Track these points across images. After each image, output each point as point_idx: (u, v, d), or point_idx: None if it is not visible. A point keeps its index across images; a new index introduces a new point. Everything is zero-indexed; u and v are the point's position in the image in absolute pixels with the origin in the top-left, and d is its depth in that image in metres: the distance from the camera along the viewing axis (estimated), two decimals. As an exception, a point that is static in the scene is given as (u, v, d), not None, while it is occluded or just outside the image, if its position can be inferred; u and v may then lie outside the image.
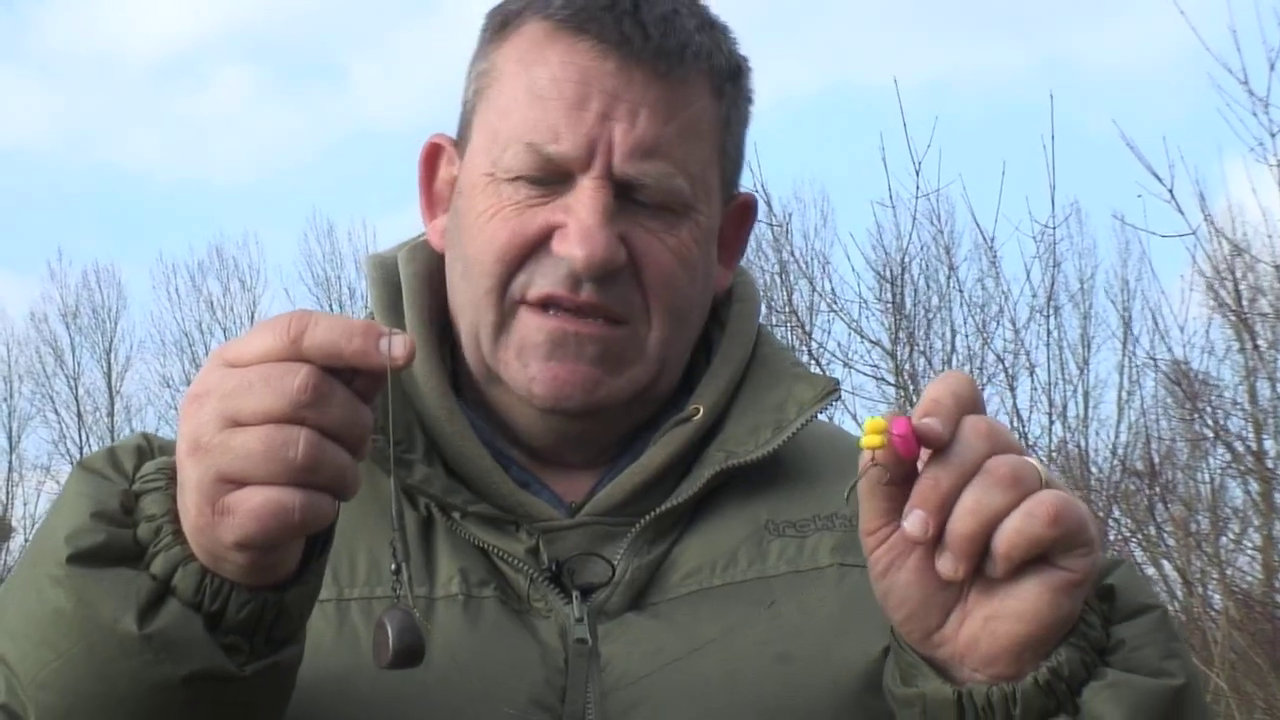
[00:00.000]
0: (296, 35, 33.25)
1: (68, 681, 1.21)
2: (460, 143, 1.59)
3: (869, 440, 1.21)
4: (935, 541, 1.20)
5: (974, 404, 1.22)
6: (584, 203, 1.47)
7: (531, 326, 1.50)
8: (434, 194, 1.63)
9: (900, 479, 1.21)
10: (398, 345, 1.14)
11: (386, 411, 1.44)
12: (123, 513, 1.23)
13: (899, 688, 1.30)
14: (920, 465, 1.21)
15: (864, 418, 1.25)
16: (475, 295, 1.52)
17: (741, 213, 1.64)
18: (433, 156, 1.63)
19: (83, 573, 1.20)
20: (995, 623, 1.22)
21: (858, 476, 1.30)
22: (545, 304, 1.49)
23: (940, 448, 1.19)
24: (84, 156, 33.05)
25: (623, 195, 1.49)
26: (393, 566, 1.21)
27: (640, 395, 1.54)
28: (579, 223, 1.47)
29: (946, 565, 1.21)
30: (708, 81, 1.54)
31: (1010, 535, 1.18)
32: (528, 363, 1.50)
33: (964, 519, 1.18)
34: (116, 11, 33.72)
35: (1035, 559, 1.20)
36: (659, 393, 1.57)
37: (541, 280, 1.49)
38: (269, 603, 1.20)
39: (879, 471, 1.20)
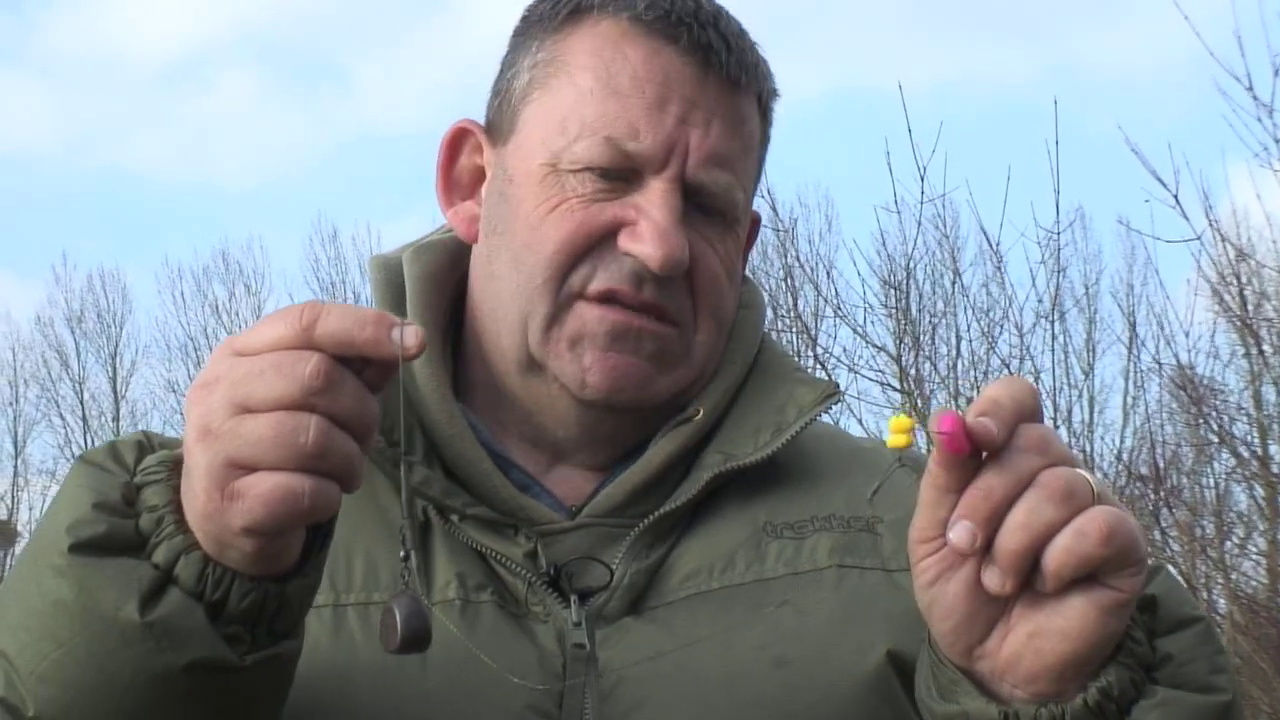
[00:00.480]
0: (300, 38, 33.34)
1: (69, 673, 1.22)
2: (498, 130, 1.58)
3: (895, 440, 1.19)
4: (983, 554, 1.17)
5: (1033, 412, 1.18)
6: (657, 203, 1.48)
7: (592, 318, 1.50)
8: (452, 180, 1.62)
9: (954, 485, 1.18)
10: (409, 335, 1.14)
11: (387, 412, 1.45)
12: (124, 504, 1.24)
13: (938, 703, 1.27)
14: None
15: (884, 421, 1.23)
16: (529, 285, 1.51)
17: (751, 229, 1.65)
18: (457, 141, 1.62)
19: (84, 562, 1.20)
20: (1039, 640, 1.19)
21: (884, 477, 1.29)
22: (603, 298, 1.50)
23: (991, 449, 1.16)
24: (88, 160, 33.16)
25: (686, 201, 1.50)
26: (402, 553, 1.21)
27: (677, 398, 1.55)
28: (653, 223, 1.48)
29: (994, 580, 1.18)
30: (758, 101, 1.57)
31: (1060, 554, 1.15)
32: (582, 353, 1.50)
33: (1014, 534, 1.16)
34: (120, 14, 33.84)
35: (1084, 577, 1.17)
36: (686, 400, 1.57)
37: (604, 274, 1.49)
38: (270, 593, 1.20)
39: (940, 474, 1.17)
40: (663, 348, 1.51)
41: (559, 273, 1.50)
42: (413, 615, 1.17)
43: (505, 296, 1.54)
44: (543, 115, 1.53)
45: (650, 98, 1.49)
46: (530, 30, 1.58)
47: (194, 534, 1.19)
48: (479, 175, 1.60)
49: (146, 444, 1.33)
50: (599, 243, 1.49)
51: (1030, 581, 1.18)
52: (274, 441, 1.12)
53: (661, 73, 1.50)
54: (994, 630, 1.21)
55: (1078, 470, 1.17)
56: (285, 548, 1.20)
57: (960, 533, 1.16)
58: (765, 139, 1.61)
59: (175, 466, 1.22)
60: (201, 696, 1.21)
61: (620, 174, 1.49)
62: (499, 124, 1.58)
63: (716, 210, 1.52)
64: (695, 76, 1.51)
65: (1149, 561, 1.24)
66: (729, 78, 1.52)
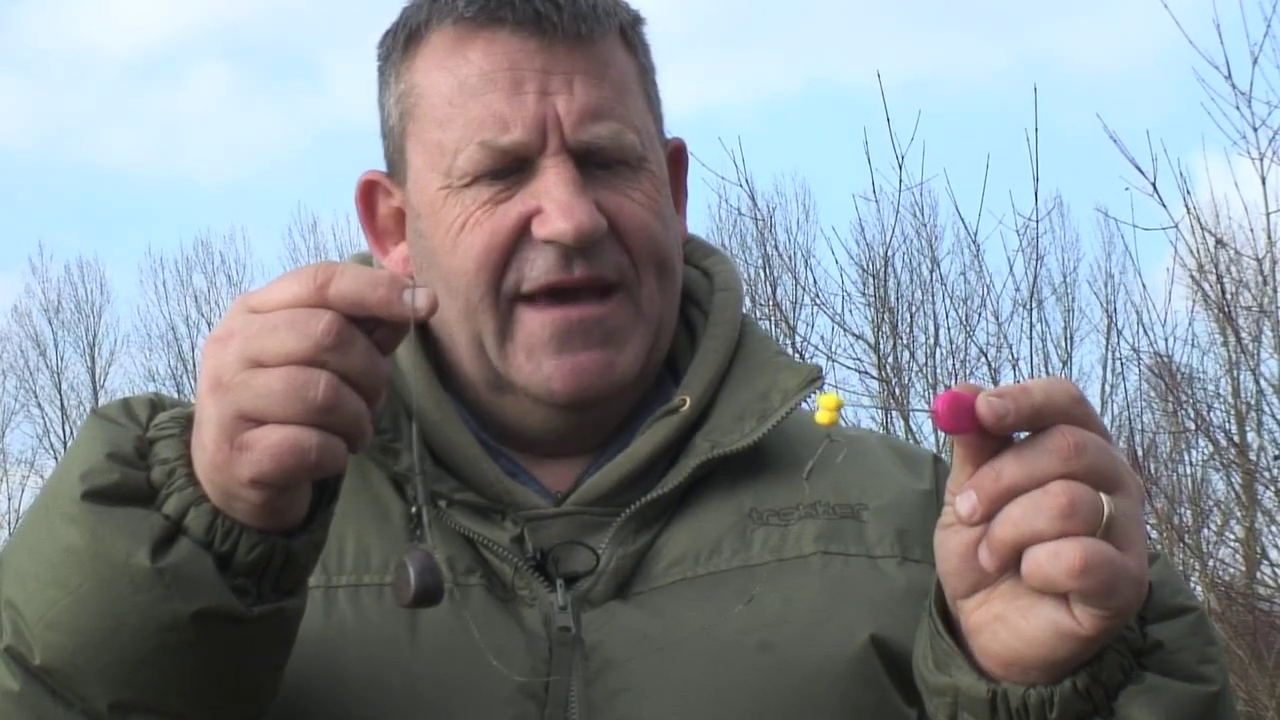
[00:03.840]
0: (270, 34, 33.30)
1: (77, 619, 1.23)
2: (395, 172, 1.59)
3: (823, 416, 1.21)
4: (983, 524, 1.18)
5: (1068, 414, 1.17)
6: (553, 180, 1.48)
7: (534, 324, 1.50)
8: (379, 229, 1.63)
9: (967, 459, 1.18)
10: (421, 296, 1.16)
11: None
12: (137, 456, 1.25)
13: (932, 673, 1.29)
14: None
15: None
16: (469, 306, 1.52)
17: (676, 158, 1.65)
18: (369, 194, 1.62)
19: (96, 509, 1.22)
20: (999, 625, 1.21)
21: (815, 456, 1.31)
22: (543, 294, 1.50)
23: (997, 431, 1.15)
24: (62, 154, 33.04)
25: (581, 164, 1.50)
26: (413, 509, 1.22)
27: (645, 369, 1.55)
28: (554, 201, 1.48)
29: (984, 554, 1.19)
30: (619, 37, 1.56)
31: (1030, 564, 1.16)
32: (540, 362, 1.51)
33: (1004, 525, 1.16)
34: (92, 9, 33.66)
35: (1059, 594, 1.17)
36: (658, 356, 1.57)
37: (532, 271, 1.49)
38: (278, 547, 1.22)
39: (956, 445, 1.17)
40: (610, 327, 1.51)
41: (491, 284, 1.50)
42: (426, 570, 1.18)
43: (454, 325, 1.54)
44: (420, 144, 1.54)
45: (504, 87, 1.49)
46: (385, 68, 1.60)
47: (203, 487, 1.21)
48: (400, 217, 1.60)
49: (158, 402, 1.34)
50: (515, 242, 1.50)
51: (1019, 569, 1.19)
52: (284, 395, 1.14)
53: (505, 58, 1.50)
54: (978, 593, 1.22)
55: (1098, 494, 1.16)
56: (292, 503, 1.22)
57: (963, 501, 1.18)
58: (644, 67, 1.59)
59: (187, 423, 1.24)
60: (207, 646, 1.22)
61: (509, 170, 1.49)
62: (394, 164, 1.59)
63: (615, 160, 1.51)
64: (537, 47, 1.50)
65: (1151, 547, 1.24)
66: (571, 33, 1.51)
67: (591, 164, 1.50)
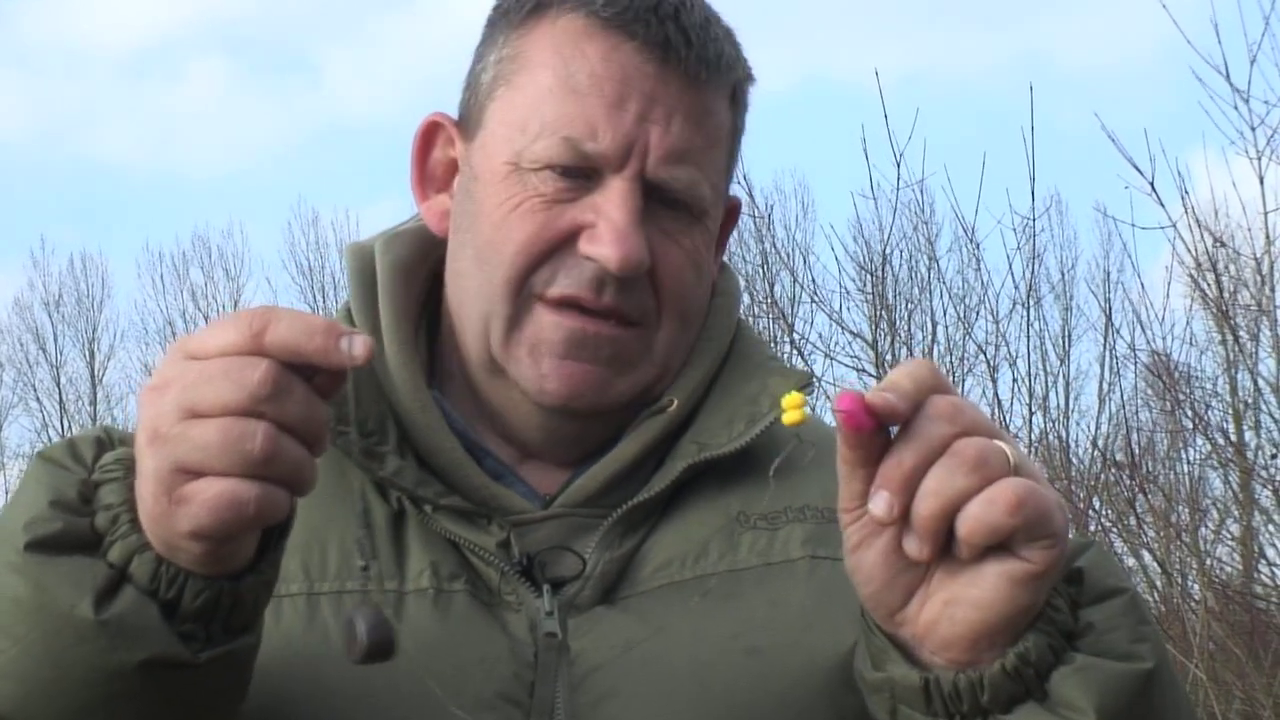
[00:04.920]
0: (267, 28, 33.26)
1: (25, 668, 1.22)
2: (467, 125, 1.58)
3: (790, 416, 1.23)
4: (903, 521, 1.20)
5: (936, 386, 1.21)
6: (616, 204, 1.47)
7: (548, 324, 1.50)
8: (427, 173, 1.62)
9: (862, 461, 1.20)
10: (358, 345, 1.15)
11: (359, 402, 1.45)
12: (81, 502, 1.24)
13: (869, 672, 1.30)
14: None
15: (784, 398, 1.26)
16: (490, 284, 1.51)
17: (730, 214, 1.65)
18: (430, 134, 1.62)
19: (40, 559, 1.21)
20: (953, 608, 1.22)
21: (781, 454, 1.32)
22: (563, 303, 1.49)
23: (894, 421, 1.18)
24: (60, 149, 33.04)
25: (648, 198, 1.49)
26: (361, 564, 1.22)
27: (640, 396, 1.55)
28: (611, 224, 1.47)
29: (911, 546, 1.20)
30: (728, 91, 1.56)
31: (969, 521, 1.17)
32: (541, 360, 1.50)
33: (926, 500, 1.18)
34: (89, 4, 33.64)
35: (999, 547, 1.19)
36: (657, 394, 1.57)
37: (565, 280, 1.49)
38: (224, 591, 1.21)
39: (846, 451, 1.20)
40: (619, 352, 1.51)
41: (520, 274, 1.50)
42: (376, 626, 1.19)
43: (469, 294, 1.54)
44: (506, 112, 1.53)
45: (609, 96, 1.49)
46: (498, 24, 1.58)
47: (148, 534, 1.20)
48: (452, 168, 1.60)
49: (106, 440, 1.33)
50: (560, 246, 1.49)
51: (950, 550, 1.20)
52: (221, 447, 1.13)
53: (620, 70, 1.49)
54: (914, 597, 1.23)
55: (994, 441, 1.19)
56: (237, 549, 1.20)
57: (878, 503, 1.19)
58: (738, 128, 1.60)
59: (132, 465, 1.22)
60: (156, 693, 1.22)
61: (580, 173, 1.49)
62: (468, 118, 1.58)
63: (681, 204, 1.51)
64: (655, 73, 1.50)
65: (1072, 536, 1.26)
66: (690, 73, 1.50)
67: (657, 199, 1.50)
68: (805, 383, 1.57)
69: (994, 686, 1.23)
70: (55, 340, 23.93)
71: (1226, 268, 9.34)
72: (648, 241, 1.49)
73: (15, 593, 1.21)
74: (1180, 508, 10.14)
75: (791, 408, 1.23)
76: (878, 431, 1.19)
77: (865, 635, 1.31)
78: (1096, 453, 11.05)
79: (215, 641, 1.22)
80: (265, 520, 1.16)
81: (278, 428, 1.14)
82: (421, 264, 1.62)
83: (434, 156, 1.62)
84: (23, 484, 1.29)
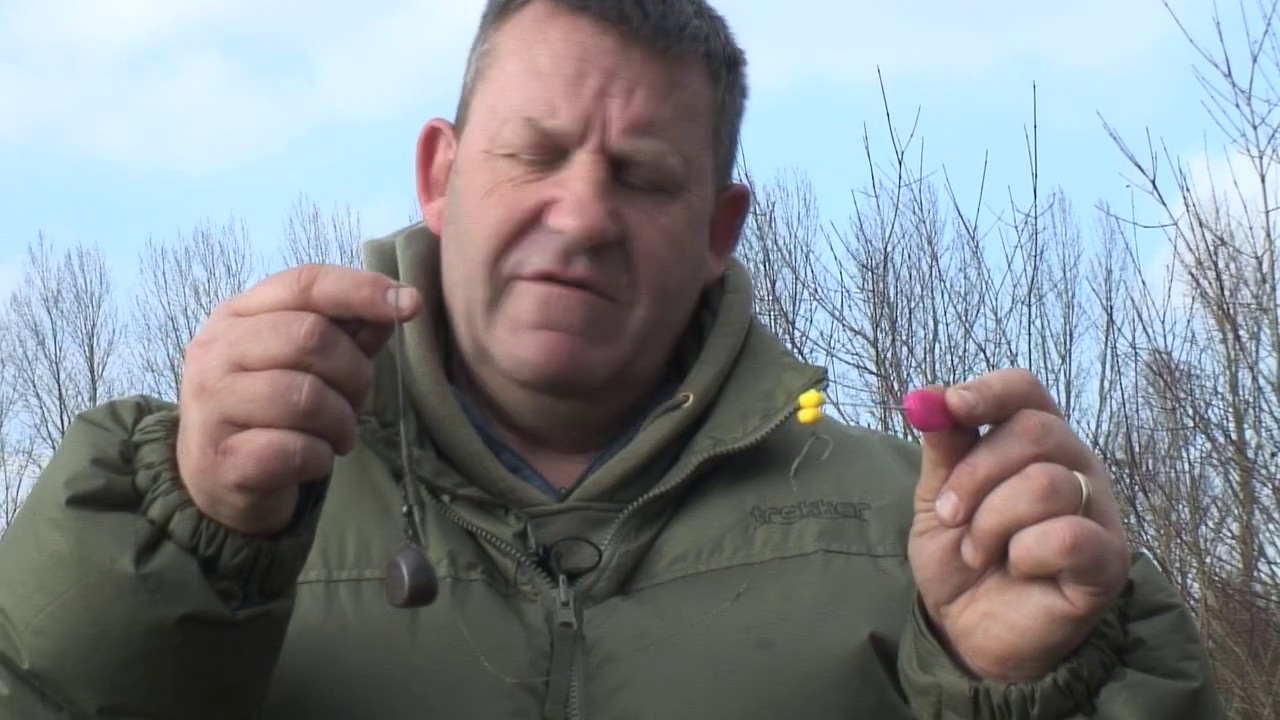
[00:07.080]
0: (263, 26, 33.23)
1: (63, 625, 1.23)
2: (458, 125, 1.61)
3: (806, 415, 1.23)
4: (966, 525, 1.19)
5: (1028, 398, 1.19)
6: (578, 175, 1.48)
7: (523, 294, 1.50)
8: (431, 178, 1.64)
9: (939, 460, 1.19)
10: (404, 297, 1.16)
11: (379, 391, 1.46)
12: (122, 461, 1.25)
13: (916, 673, 1.30)
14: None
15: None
16: (469, 271, 1.53)
17: (735, 203, 1.65)
18: (430, 140, 1.64)
19: (81, 515, 1.22)
20: (990, 622, 1.22)
21: (800, 454, 1.33)
22: (538, 279, 1.50)
23: (970, 423, 1.17)
24: (56, 146, 32.99)
25: (617, 172, 1.50)
26: (404, 508, 1.22)
27: (620, 375, 1.55)
28: (573, 194, 1.48)
29: (968, 550, 1.20)
30: (704, 65, 1.56)
31: (1020, 549, 1.17)
32: (519, 335, 1.51)
33: (987, 514, 1.17)
34: (85, 1, 33.60)
35: (1048, 577, 1.18)
36: (639, 374, 1.57)
37: (535, 257, 1.50)
38: (263, 550, 1.22)
39: (926, 448, 1.19)
40: (593, 318, 1.51)
41: (492, 256, 1.51)
42: (419, 569, 1.19)
43: (456, 285, 1.56)
44: (481, 105, 1.56)
45: (568, 74, 1.50)
46: (482, 24, 1.61)
47: (188, 491, 1.21)
48: (450, 170, 1.61)
49: (145, 406, 1.34)
50: (530, 224, 1.50)
51: (1005, 562, 1.20)
52: (268, 399, 1.14)
53: (579, 48, 1.51)
54: (960, 596, 1.23)
55: (1073, 473, 1.18)
56: (277, 506, 1.21)
57: (944, 504, 1.19)
58: (723, 104, 1.58)
59: (172, 426, 1.23)
60: (193, 650, 1.23)
61: (545, 154, 1.50)
62: (459, 119, 1.61)
63: (652, 181, 1.51)
64: (614, 47, 1.51)
65: (1132, 548, 1.25)
66: (652, 44, 1.51)
67: (630, 178, 1.51)
68: (820, 379, 1.58)
69: (1045, 700, 1.23)
70: (54, 336, 23.92)
71: (1227, 266, 9.35)
72: (623, 218, 1.50)
73: (56, 548, 1.22)
74: (1180, 506, 10.16)
75: (809, 406, 1.23)
76: (956, 431, 1.18)
77: (914, 636, 1.30)
78: (1097, 451, 11.06)
79: (252, 602, 1.23)
80: (309, 473, 1.17)
81: (323, 381, 1.15)
82: (437, 262, 1.63)
83: (436, 161, 1.64)
84: (64, 445, 1.30)
